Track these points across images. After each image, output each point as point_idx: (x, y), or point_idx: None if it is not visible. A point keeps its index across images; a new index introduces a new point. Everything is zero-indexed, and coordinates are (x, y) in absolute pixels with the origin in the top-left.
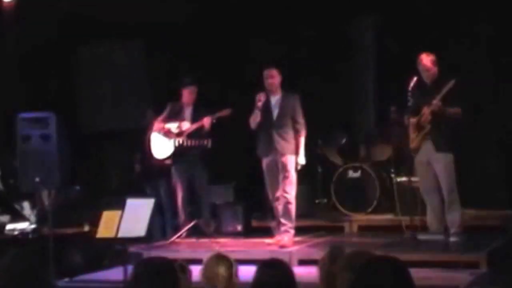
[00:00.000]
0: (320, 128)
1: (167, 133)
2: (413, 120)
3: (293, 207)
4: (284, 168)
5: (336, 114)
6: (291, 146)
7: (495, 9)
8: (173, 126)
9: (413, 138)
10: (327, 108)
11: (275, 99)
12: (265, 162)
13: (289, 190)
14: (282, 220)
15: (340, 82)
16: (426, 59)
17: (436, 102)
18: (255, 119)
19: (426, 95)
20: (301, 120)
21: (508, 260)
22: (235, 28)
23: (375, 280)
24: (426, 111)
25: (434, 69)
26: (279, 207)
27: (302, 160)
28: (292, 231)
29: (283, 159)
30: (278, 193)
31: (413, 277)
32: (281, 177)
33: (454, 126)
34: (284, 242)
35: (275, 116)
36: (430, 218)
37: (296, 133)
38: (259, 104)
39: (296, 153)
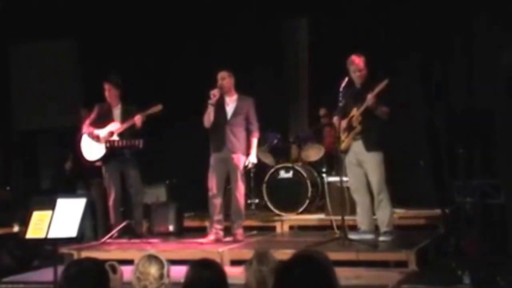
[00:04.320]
0: None
1: (97, 138)
2: (343, 121)
3: (243, 204)
4: (235, 166)
5: (268, 115)
6: (243, 145)
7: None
8: (102, 132)
9: (343, 139)
10: (260, 108)
11: (230, 99)
12: (214, 157)
13: (240, 189)
14: (234, 218)
15: (273, 82)
16: (358, 60)
17: (370, 97)
18: (209, 115)
19: (356, 96)
20: (255, 122)
21: (437, 258)
22: (168, 29)
23: (298, 275)
24: (356, 112)
25: (365, 70)
26: (218, 204)
27: (254, 159)
28: (242, 228)
29: (234, 157)
30: (221, 191)
31: (343, 276)
32: (232, 175)
33: (383, 125)
34: (238, 237)
35: (229, 115)
36: (360, 217)
37: (249, 134)
38: (213, 99)
39: (248, 152)
